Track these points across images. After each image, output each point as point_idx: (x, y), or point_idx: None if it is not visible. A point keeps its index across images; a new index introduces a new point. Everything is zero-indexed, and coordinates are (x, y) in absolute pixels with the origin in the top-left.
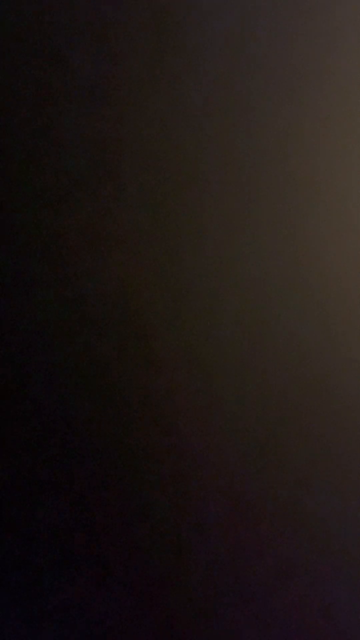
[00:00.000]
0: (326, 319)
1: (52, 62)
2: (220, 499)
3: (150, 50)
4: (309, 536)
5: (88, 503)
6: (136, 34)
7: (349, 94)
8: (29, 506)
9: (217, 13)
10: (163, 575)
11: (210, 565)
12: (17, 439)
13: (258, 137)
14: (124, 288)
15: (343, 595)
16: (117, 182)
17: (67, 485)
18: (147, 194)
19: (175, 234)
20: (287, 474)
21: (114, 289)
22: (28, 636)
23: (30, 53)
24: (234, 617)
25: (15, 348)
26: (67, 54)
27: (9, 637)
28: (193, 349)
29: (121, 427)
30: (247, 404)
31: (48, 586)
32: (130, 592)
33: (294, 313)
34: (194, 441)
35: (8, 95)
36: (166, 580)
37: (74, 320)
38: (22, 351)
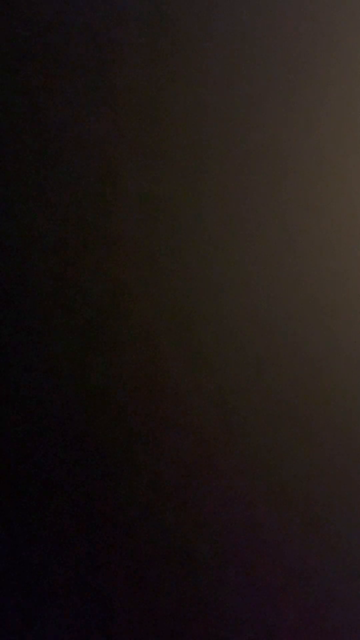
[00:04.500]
0: (328, 318)
1: (51, 61)
2: (224, 502)
3: (150, 48)
4: (313, 537)
5: (89, 507)
6: (135, 32)
7: (351, 91)
8: (29, 511)
9: (217, 10)
10: (166, 578)
11: (214, 568)
12: (15, 442)
13: (258, 136)
14: (124, 289)
15: (346, 596)
16: (117, 180)
17: (68, 490)
18: (146, 193)
19: (176, 234)
20: (291, 477)
21: (113, 289)
22: (28, 637)
23: (30, 51)
24: (237, 620)
25: (13, 349)
26: (66, 53)
27: (9, 637)
28: (194, 349)
29: (122, 429)
30: (250, 404)
31: (49, 589)
32: (133, 596)
33: (296, 312)
34: (197, 443)
35: (7, 94)
36: (170, 583)
37: (74, 320)
38: (20, 351)
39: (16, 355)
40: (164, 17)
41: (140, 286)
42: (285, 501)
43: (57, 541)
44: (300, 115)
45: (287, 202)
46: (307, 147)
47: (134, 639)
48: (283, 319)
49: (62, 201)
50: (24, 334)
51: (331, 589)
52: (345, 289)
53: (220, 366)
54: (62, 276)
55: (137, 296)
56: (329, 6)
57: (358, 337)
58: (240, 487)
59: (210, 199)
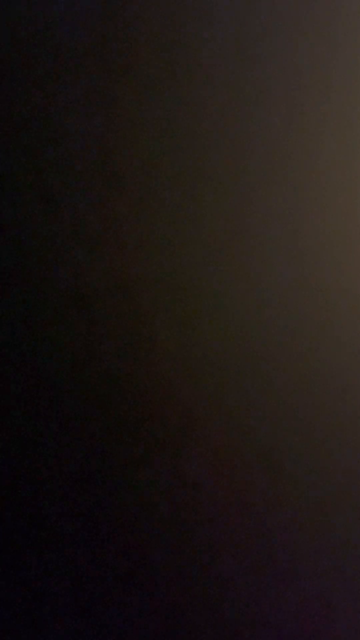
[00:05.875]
0: (328, 315)
1: (51, 60)
2: (223, 499)
3: (151, 47)
4: (311, 536)
5: (88, 504)
6: (137, 31)
7: (351, 90)
8: (29, 506)
9: (219, 9)
10: (165, 575)
11: (213, 566)
12: (16, 441)
13: (259, 134)
14: (124, 287)
15: (345, 596)
16: (117, 179)
17: (67, 488)
18: (147, 191)
19: (176, 232)
20: (289, 473)
21: (113, 288)
22: (28, 636)
23: (31, 50)
24: (236, 618)
25: (14, 347)
26: (67, 52)
27: (9, 637)
28: (194, 347)
29: (122, 426)
30: (249, 402)
31: (48, 587)
32: (132, 592)
33: (295, 310)
34: (195, 440)
35: (8, 93)
36: (168, 580)
37: (74, 319)
38: (21, 350)
39: (14, 356)
40: (165, 16)
41: (141, 284)
42: (285, 499)
43: (55, 542)
44: (301, 110)
45: (287, 199)
46: (307, 143)
47: (132, 637)
48: (284, 317)
49: (63, 201)
50: (23, 333)
51: (330, 588)
52: (346, 288)
53: (219, 365)
54: (63, 275)
55: (137, 294)
56: (329, 6)
57: (358, 335)
58: (240, 485)
59: (211, 199)
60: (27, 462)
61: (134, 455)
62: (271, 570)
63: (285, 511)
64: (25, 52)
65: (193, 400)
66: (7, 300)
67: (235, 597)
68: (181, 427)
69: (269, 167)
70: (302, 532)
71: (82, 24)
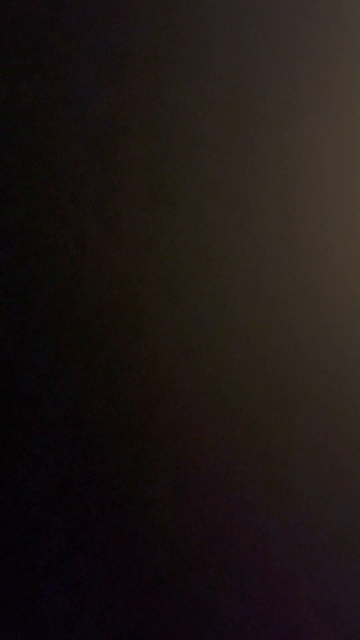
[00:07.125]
0: (327, 314)
1: (52, 61)
2: (221, 495)
3: (153, 47)
4: (309, 533)
5: (87, 501)
6: (138, 31)
7: (351, 92)
8: (26, 503)
9: (221, 10)
10: (165, 574)
11: (211, 564)
12: (14, 434)
13: (259, 133)
14: (124, 285)
15: (344, 595)
16: (117, 179)
17: (65, 484)
18: (147, 189)
19: (175, 230)
20: (287, 469)
21: (113, 286)
22: (26, 636)
23: (32, 51)
24: (234, 617)
25: (15, 347)
26: (67, 54)
27: (9, 637)
28: (193, 346)
29: (122, 423)
30: (249, 400)
31: (46, 586)
32: (130, 589)
33: (295, 309)
34: (193, 436)
35: (7, 94)
36: (168, 579)
37: (74, 317)
38: (22, 350)
39: (15, 355)
40: (167, 15)
41: (141, 282)
42: (285, 498)
43: (51, 540)
44: (301, 110)
45: (286, 199)
46: (307, 142)
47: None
48: (283, 315)
49: (62, 199)
50: (24, 333)
51: (330, 589)
52: (346, 288)
53: (220, 364)
54: (63, 275)
55: (138, 293)
56: (329, 6)
57: (357, 332)
58: (239, 482)
59: (211, 199)
60: (25, 461)
61: (133, 452)
62: (271, 568)
63: (285, 508)
64: (25, 53)
65: (193, 398)
66: (7, 300)
67: (235, 596)
68: (181, 424)
69: (268, 168)
70: (301, 530)
71: (82, 25)
